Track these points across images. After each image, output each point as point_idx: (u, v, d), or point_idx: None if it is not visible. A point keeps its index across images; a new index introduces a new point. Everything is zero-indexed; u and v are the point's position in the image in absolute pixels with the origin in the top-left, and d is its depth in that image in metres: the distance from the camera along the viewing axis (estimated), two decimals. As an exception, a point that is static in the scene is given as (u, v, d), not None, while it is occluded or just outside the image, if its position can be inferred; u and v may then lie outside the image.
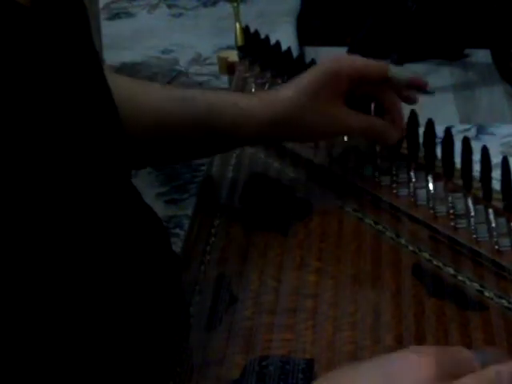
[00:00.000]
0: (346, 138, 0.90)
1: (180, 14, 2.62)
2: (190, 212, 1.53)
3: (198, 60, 2.34)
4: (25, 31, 0.56)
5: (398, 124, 0.85)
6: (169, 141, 0.86)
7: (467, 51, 2.32)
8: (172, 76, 2.27)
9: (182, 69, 2.31)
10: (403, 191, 0.83)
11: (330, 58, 0.84)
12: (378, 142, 0.87)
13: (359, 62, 0.84)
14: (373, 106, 0.87)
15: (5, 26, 0.54)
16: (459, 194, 0.81)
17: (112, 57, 2.14)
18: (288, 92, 0.82)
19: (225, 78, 1.13)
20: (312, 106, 0.81)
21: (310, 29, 2.39)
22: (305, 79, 0.83)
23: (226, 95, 0.86)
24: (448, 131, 0.83)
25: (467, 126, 2.01)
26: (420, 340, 0.67)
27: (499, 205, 0.79)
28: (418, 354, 0.49)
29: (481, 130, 2.01)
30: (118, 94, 0.72)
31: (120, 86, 0.80)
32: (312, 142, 0.89)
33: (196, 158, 0.95)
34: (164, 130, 0.84)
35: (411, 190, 0.83)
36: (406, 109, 0.87)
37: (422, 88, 0.83)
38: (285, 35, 2.14)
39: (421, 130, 0.86)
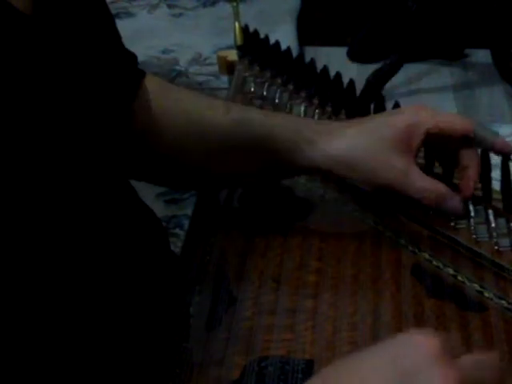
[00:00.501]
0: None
1: (180, 14, 2.62)
2: (190, 212, 1.53)
3: (197, 60, 2.34)
4: (26, 39, 0.56)
5: (467, 189, 0.78)
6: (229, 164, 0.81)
7: (467, 51, 2.32)
8: (172, 76, 2.27)
9: (182, 69, 2.31)
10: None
11: (411, 108, 0.77)
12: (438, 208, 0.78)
13: (441, 116, 0.77)
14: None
15: (6, 34, 0.54)
16: (459, 194, 0.81)
17: (112, 57, 2.13)
18: (356, 140, 0.77)
19: (225, 78, 1.13)
20: (378, 156, 0.77)
21: (310, 29, 2.39)
22: (378, 126, 0.77)
23: (293, 123, 0.81)
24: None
25: (467, 126, 2.01)
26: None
27: (499, 205, 0.79)
28: (422, 334, 0.50)
29: (481, 129, 2.01)
30: (183, 113, 0.75)
31: (185, 107, 0.80)
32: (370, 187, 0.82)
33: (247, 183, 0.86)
34: (227, 152, 0.80)
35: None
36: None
37: (506, 153, 0.77)
38: (284, 35, 2.14)
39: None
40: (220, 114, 0.80)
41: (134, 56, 0.79)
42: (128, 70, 0.76)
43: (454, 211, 0.77)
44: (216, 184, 0.85)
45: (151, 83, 0.80)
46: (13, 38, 0.55)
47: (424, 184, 0.76)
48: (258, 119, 0.80)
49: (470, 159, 0.78)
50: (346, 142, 0.78)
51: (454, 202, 0.77)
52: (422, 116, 0.76)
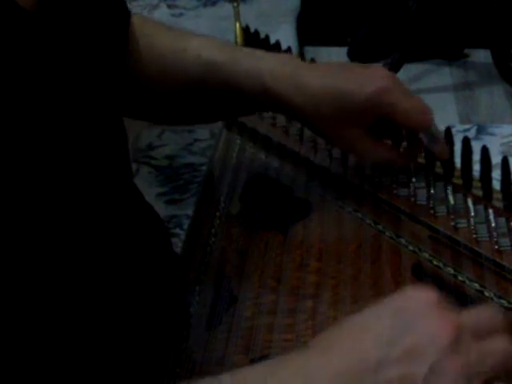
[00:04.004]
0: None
1: (180, 14, 2.62)
2: (190, 212, 1.53)
3: (197, 60, 2.34)
4: (29, 36, 0.56)
5: (414, 152, 0.83)
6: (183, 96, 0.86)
7: (467, 51, 2.32)
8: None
9: (182, 69, 2.31)
10: (403, 191, 0.83)
11: (378, 84, 0.77)
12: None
13: (402, 108, 0.77)
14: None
15: (10, 31, 0.54)
16: (459, 194, 0.81)
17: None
18: (316, 83, 0.79)
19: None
20: (331, 118, 0.79)
21: (310, 29, 2.39)
22: (342, 93, 0.78)
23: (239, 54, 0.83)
24: (448, 131, 0.83)
25: (467, 126, 2.00)
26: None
27: (499, 205, 0.79)
28: (419, 289, 0.54)
29: (481, 130, 2.00)
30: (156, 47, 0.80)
31: (161, 41, 0.84)
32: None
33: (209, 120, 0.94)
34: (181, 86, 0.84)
35: (411, 190, 0.83)
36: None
37: (440, 157, 0.82)
38: (285, 35, 2.14)
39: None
40: (191, 59, 0.83)
41: None
42: (118, 14, 0.78)
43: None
44: (194, 119, 0.92)
45: (134, 22, 0.83)
46: (16, 35, 0.55)
47: (375, 151, 0.81)
48: (229, 62, 0.82)
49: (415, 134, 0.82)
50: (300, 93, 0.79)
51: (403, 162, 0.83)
52: (384, 100, 0.77)
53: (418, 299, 0.53)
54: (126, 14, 0.80)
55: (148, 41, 0.84)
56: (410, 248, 0.77)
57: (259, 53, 0.84)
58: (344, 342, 0.53)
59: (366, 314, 0.55)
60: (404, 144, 0.84)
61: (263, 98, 0.80)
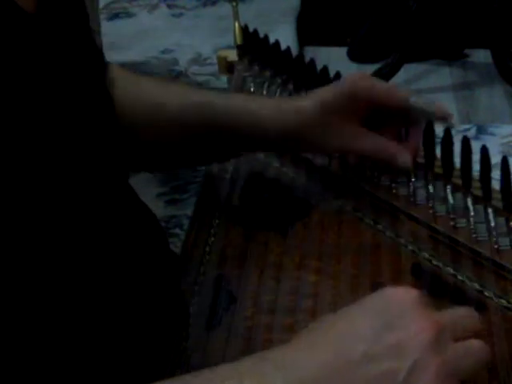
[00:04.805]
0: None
1: (180, 14, 2.62)
2: (189, 212, 1.53)
3: (197, 60, 2.34)
4: (29, 38, 0.56)
5: (412, 148, 0.83)
6: (181, 145, 0.85)
7: (467, 51, 2.32)
8: (172, 76, 2.27)
9: (182, 69, 2.31)
10: (403, 191, 0.83)
11: (351, 76, 0.82)
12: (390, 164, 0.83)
13: (378, 88, 0.81)
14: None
15: (10, 32, 0.54)
16: (459, 194, 0.81)
17: (112, 57, 2.13)
18: (303, 104, 0.81)
19: (224, 78, 1.13)
20: (324, 121, 0.80)
21: (310, 29, 2.39)
22: (321, 95, 0.81)
23: (242, 101, 0.85)
24: (448, 131, 0.83)
25: (467, 126, 2.01)
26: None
27: (499, 204, 0.79)
28: (400, 288, 0.55)
29: (480, 129, 2.01)
30: (136, 95, 0.77)
31: (142, 89, 0.84)
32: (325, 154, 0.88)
33: (203, 164, 0.93)
34: (178, 135, 0.84)
35: (411, 189, 0.83)
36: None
37: (446, 120, 0.82)
38: (284, 35, 2.14)
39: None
40: (176, 102, 0.83)
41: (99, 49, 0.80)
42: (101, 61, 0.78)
43: (405, 165, 0.81)
44: (185, 163, 0.93)
45: (115, 73, 0.82)
46: (17, 36, 0.55)
47: (373, 146, 0.81)
48: (215, 99, 0.83)
49: (412, 128, 0.83)
50: (290, 117, 0.81)
51: (404, 157, 0.81)
52: (358, 85, 0.80)
53: (402, 297, 0.54)
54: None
55: (131, 88, 0.84)
56: (410, 248, 0.77)
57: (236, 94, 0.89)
58: (328, 338, 0.54)
59: (349, 311, 0.55)
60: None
61: (251, 130, 0.82)
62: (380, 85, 0.81)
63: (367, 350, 0.52)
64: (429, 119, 0.82)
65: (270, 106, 0.83)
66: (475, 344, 0.55)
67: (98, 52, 0.74)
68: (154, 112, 0.83)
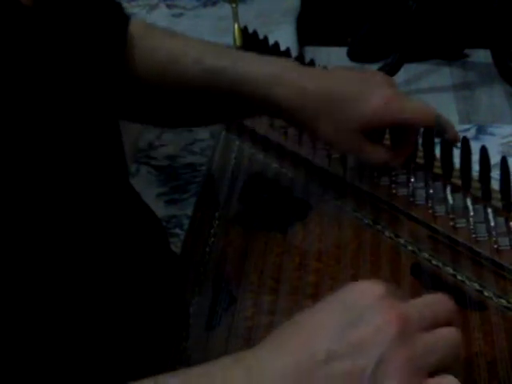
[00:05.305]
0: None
1: (180, 14, 2.62)
2: (190, 212, 1.53)
3: (198, 60, 2.33)
4: (27, 31, 0.56)
5: (405, 152, 0.84)
6: (192, 104, 0.86)
7: (467, 51, 2.32)
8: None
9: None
10: (402, 191, 0.83)
11: (382, 94, 0.79)
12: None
13: (409, 112, 0.79)
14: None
15: (8, 25, 0.55)
16: (458, 194, 0.81)
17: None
18: (324, 112, 0.80)
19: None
20: (330, 121, 0.80)
21: (310, 29, 2.39)
22: (347, 113, 0.79)
23: (260, 68, 0.83)
24: (448, 131, 0.83)
25: (467, 126, 2.01)
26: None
27: (498, 204, 0.80)
28: (368, 281, 0.55)
29: (480, 130, 2.01)
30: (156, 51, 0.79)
31: (160, 44, 0.84)
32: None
33: (212, 123, 0.94)
34: (189, 94, 0.84)
35: (410, 189, 0.83)
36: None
37: (454, 143, 0.82)
38: (284, 35, 2.14)
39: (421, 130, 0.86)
40: (192, 64, 0.83)
41: (119, 3, 0.82)
42: (117, 18, 0.79)
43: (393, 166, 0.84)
44: (191, 121, 0.94)
45: (134, 27, 0.83)
46: (15, 29, 0.55)
47: (373, 157, 0.81)
48: (231, 67, 0.82)
49: (408, 135, 0.84)
50: (309, 103, 0.80)
51: (395, 163, 0.83)
52: (388, 112, 0.79)
53: (366, 292, 0.54)
54: (125, 18, 0.80)
55: (148, 45, 0.84)
56: (409, 248, 0.77)
57: (259, 57, 0.84)
58: (294, 339, 0.53)
59: (316, 309, 0.55)
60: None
61: (263, 103, 0.81)
62: (410, 104, 0.80)
63: (331, 349, 0.51)
64: (440, 135, 0.82)
65: (289, 87, 0.80)
66: (446, 333, 0.53)
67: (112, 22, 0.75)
68: (166, 73, 0.84)
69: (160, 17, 2.61)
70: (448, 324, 0.54)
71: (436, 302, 0.55)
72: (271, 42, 1.01)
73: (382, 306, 0.52)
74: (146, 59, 0.83)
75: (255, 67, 0.82)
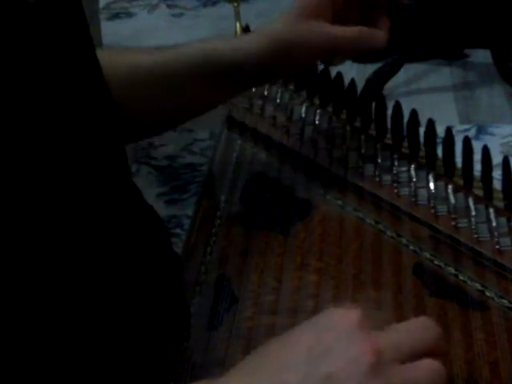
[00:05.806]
0: (346, 137, 0.90)
1: (180, 14, 2.62)
2: (190, 212, 1.53)
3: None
4: (29, 27, 0.56)
5: (384, 27, 0.83)
6: (173, 96, 0.85)
7: (467, 51, 2.32)
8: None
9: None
10: (404, 191, 0.83)
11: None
12: (369, 48, 0.84)
13: None
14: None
15: (9, 22, 0.54)
16: (460, 194, 0.81)
17: (112, 57, 2.13)
18: (281, 19, 0.82)
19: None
20: (302, 25, 0.81)
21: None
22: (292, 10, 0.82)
23: (221, 41, 0.84)
24: (449, 131, 0.83)
25: (467, 126, 2.01)
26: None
27: (500, 204, 0.79)
28: (342, 309, 0.53)
29: (481, 130, 2.01)
30: (114, 69, 0.77)
31: (116, 59, 0.83)
32: (311, 63, 0.90)
33: (200, 111, 0.90)
34: (164, 84, 0.84)
35: (412, 189, 0.83)
36: (406, 109, 0.87)
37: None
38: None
39: (421, 130, 0.86)
40: (184, 51, 0.84)
41: None
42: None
43: (381, 43, 0.82)
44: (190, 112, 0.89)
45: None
46: (16, 26, 0.55)
47: (349, 34, 0.82)
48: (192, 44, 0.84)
49: (377, 12, 0.84)
50: (273, 33, 0.82)
51: (379, 35, 0.82)
52: None
53: (340, 320, 0.52)
54: None
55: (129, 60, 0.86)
56: (411, 248, 0.77)
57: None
58: (267, 366, 0.52)
59: (291, 335, 0.53)
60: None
61: (264, 55, 0.81)
62: None
63: (301, 381, 0.50)
64: None
65: (249, 35, 0.84)
66: (427, 365, 0.50)
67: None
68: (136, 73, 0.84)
69: (160, 17, 2.61)
70: (432, 352, 0.52)
71: (419, 329, 0.53)
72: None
73: (357, 336, 0.50)
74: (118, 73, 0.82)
75: (220, 45, 0.83)
